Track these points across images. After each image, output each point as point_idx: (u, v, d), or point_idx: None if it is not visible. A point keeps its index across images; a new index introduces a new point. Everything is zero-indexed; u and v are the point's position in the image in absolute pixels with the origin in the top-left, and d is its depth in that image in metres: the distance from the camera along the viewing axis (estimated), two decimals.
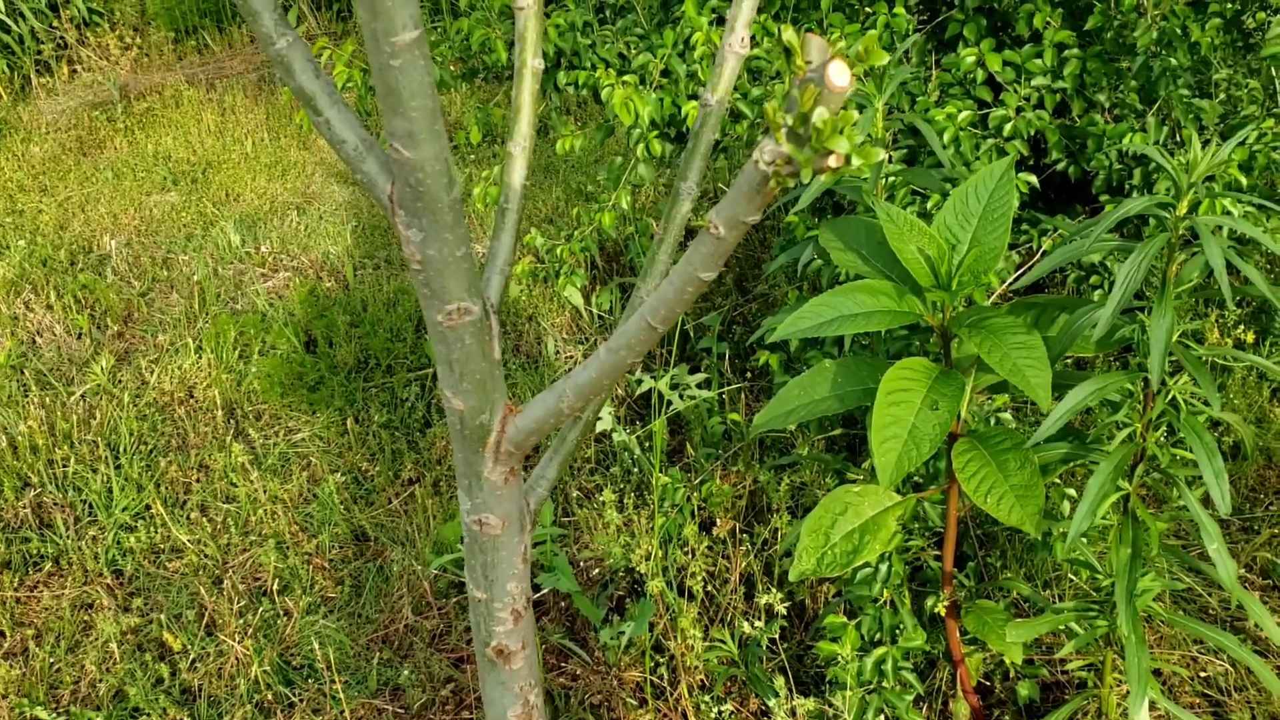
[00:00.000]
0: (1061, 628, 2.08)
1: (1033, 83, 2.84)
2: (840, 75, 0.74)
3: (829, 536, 2.05)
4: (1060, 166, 3.05)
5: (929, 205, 2.49)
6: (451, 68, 2.77)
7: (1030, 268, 3.55)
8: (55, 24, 6.54)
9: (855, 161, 0.75)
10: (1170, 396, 1.81)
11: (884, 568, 2.22)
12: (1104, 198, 3.07)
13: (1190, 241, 1.79)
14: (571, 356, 3.66)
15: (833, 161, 0.75)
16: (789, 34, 0.77)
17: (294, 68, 0.92)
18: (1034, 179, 2.76)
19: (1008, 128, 2.79)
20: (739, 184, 0.82)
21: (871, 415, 1.87)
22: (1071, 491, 2.23)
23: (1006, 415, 2.31)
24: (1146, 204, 1.69)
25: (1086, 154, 2.98)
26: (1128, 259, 1.69)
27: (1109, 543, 1.92)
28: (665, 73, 2.78)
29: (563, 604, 2.66)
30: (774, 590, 2.27)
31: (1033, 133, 2.84)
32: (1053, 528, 2.21)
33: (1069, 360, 2.91)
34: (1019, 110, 2.81)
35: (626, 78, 2.69)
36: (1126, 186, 3.02)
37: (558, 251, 3.30)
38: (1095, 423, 2.40)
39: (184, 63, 6.82)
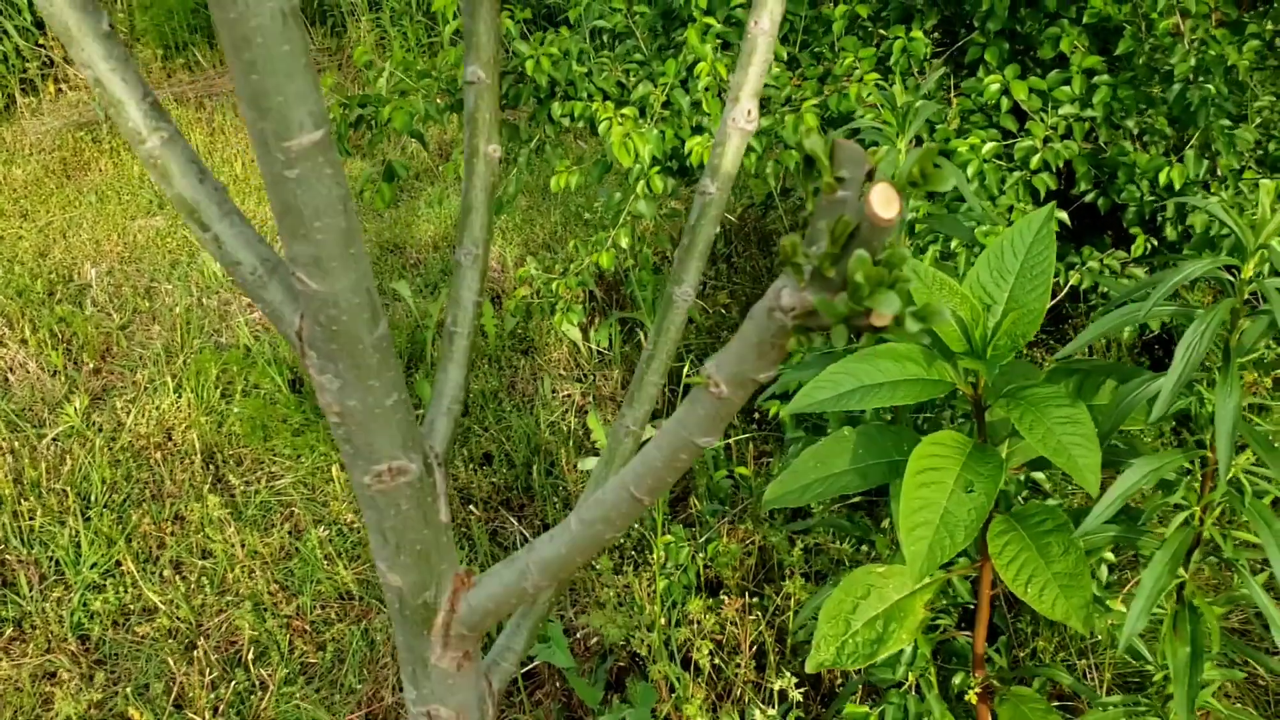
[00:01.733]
0: None
1: (1060, 111, 2.65)
2: (886, 204, 0.55)
3: (849, 623, 1.86)
4: (1089, 198, 2.86)
5: (955, 250, 2.30)
6: (438, 100, 2.59)
7: (1059, 307, 3.35)
8: (41, 41, 6.36)
9: (912, 327, 0.56)
10: (1232, 476, 1.62)
11: (908, 649, 2.02)
12: (1135, 230, 2.88)
13: (1254, 305, 1.60)
14: (569, 395, 3.47)
15: (876, 320, 0.56)
16: (812, 140, 0.58)
17: (171, 172, 0.74)
18: (1064, 215, 2.57)
19: (1035, 159, 2.60)
20: (746, 332, 0.62)
21: (899, 498, 1.68)
22: (1121, 608, 2.03)
23: (1041, 477, 2.11)
24: (1209, 266, 1.50)
25: (1116, 185, 2.79)
26: (1189, 328, 1.49)
27: (1163, 636, 1.72)
28: (667, 103, 2.59)
29: (558, 679, 2.46)
30: (786, 673, 2.07)
31: (1061, 164, 2.65)
32: (1098, 616, 2.02)
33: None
34: (1046, 141, 2.62)
35: (625, 110, 2.50)
36: (1159, 220, 2.83)
37: (553, 287, 3.12)
38: (1144, 496, 2.21)
39: (172, 80, 6.64)
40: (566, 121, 2.72)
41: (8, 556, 2.95)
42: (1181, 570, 1.68)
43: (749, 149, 2.66)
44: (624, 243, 2.75)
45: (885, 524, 2.37)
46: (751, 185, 4.25)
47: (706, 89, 2.51)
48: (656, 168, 2.57)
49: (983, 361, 1.65)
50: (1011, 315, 1.64)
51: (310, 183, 0.63)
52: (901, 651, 2.04)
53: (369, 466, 0.79)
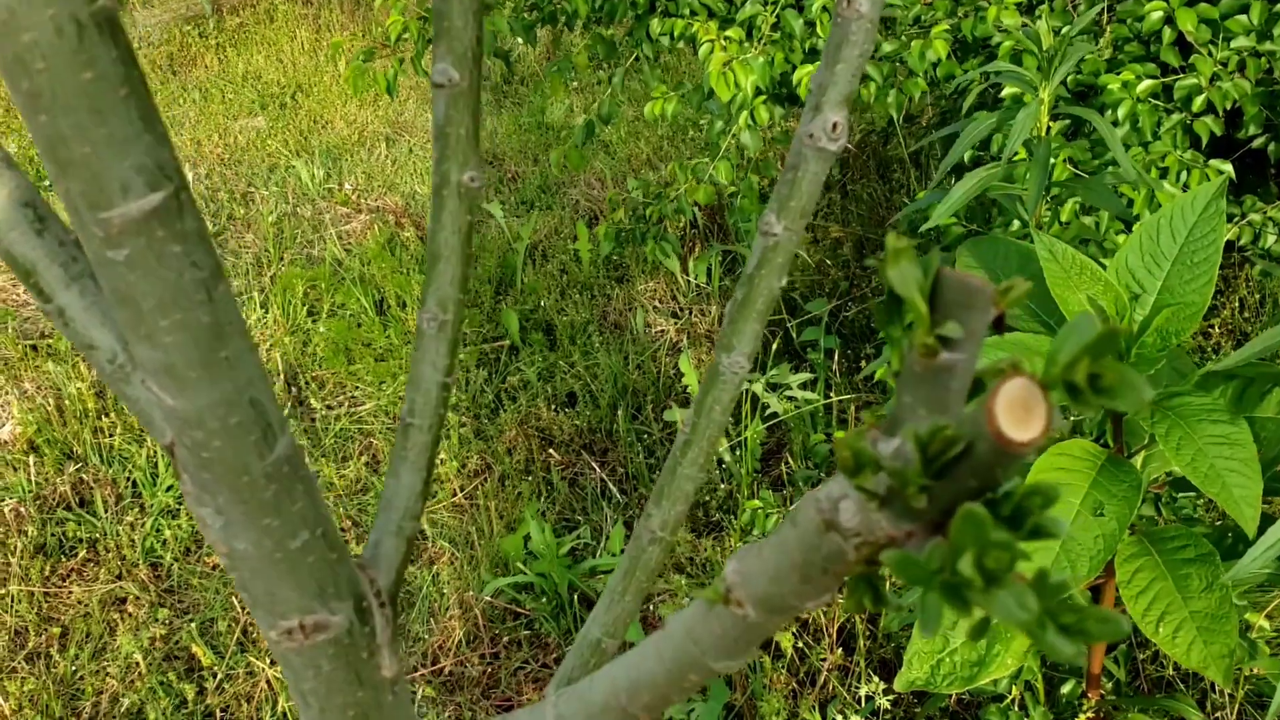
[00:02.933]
0: None
1: (1233, 44, 2.29)
2: (1022, 415, 0.32)
3: (947, 640, 1.65)
4: (1258, 143, 2.50)
5: (1101, 227, 2.01)
6: (525, 15, 2.36)
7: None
8: None
9: (1064, 650, 0.33)
10: None
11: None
12: None
13: None
14: (663, 330, 3.27)
15: (987, 612, 0.34)
16: (901, 270, 0.35)
17: None
18: (1228, 167, 2.24)
19: (1198, 100, 2.25)
20: (787, 543, 0.41)
21: None
22: (1263, 622, 1.77)
23: (1187, 500, 1.85)
24: None
25: None
26: None
27: None
28: (777, 24, 2.31)
29: None
30: (874, 677, 1.88)
31: (1229, 105, 2.30)
32: (1241, 665, 1.77)
33: None
34: (1214, 79, 2.27)
35: (730, 32, 2.23)
36: None
37: (647, 212, 2.90)
38: None
39: None
40: (666, 41, 2.46)
41: (85, 475, 2.91)
42: None
43: (866, 78, 2.38)
44: (723, 177, 2.51)
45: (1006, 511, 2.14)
46: (880, 106, 3.93)
47: (823, 9, 2.23)
48: (762, 97, 2.31)
49: (1125, 365, 1.39)
50: (1165, 312, 1.38)
51: (147, 266, 0.43)
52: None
53: (275, 621, 0.60)
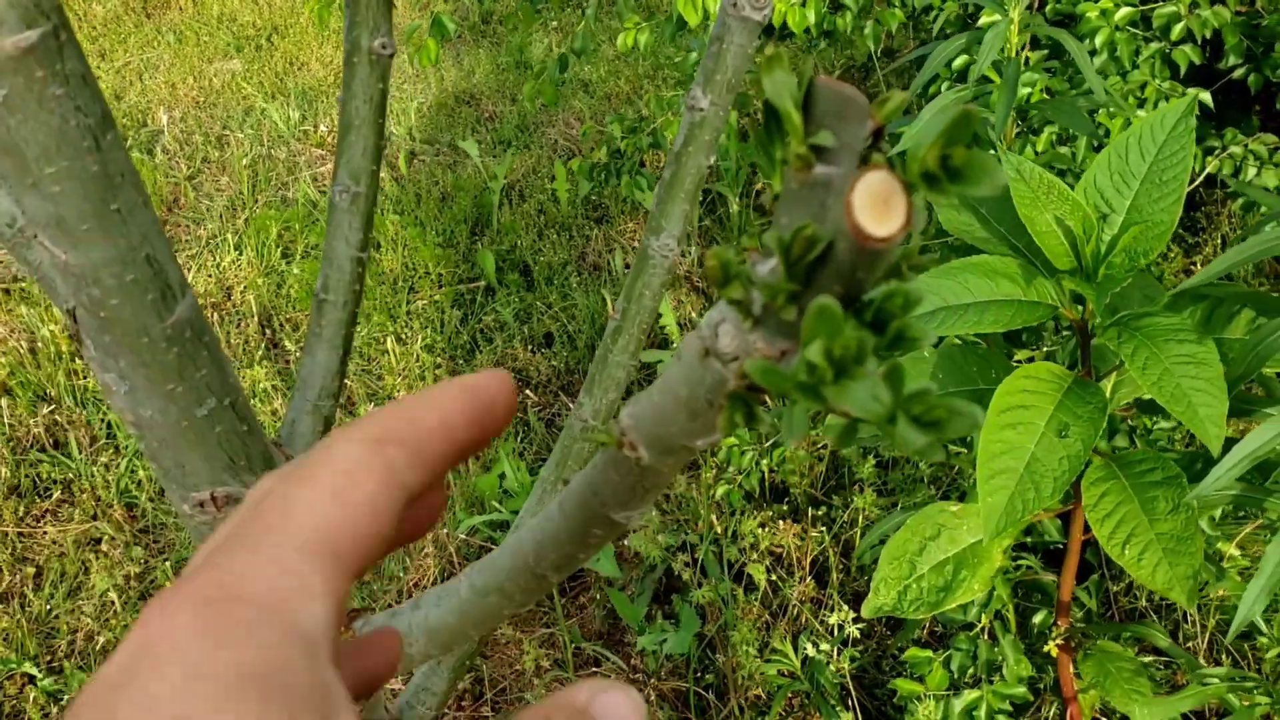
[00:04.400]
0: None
1: None
2: (880, 210, 0.30)
3: (915, 566, 1.65)
4: (1238, 74, 2.47)
5: (1078, 158, 1.98)
6: None
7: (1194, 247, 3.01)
8: None
9: (913, 441, 0.32)
10: None
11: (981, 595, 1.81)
12: None
13: None
14: None
15: (841, 407, 0.32)
16: (775, 79, 0.33)
17: None
18: (1206, 96, 2.21)
19: (1177, 28, 2.22)
20: (673, 380, 0.39)
21: (978, 438, 1.44)
22: (1234, 551, 1.77)
23: (1160, 425, 1.84)
24: None
25: (1273, 59, 2.40)
26: None
27: None
28: None
29: (606, 584, 2.31)
30: (844, 606, 1.88)
31: (1208, 33, 2.27)
32: (1209, 584, 1.77)
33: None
34: (1193, 6, 2.24)
35: None
36: None
37: (623, 146, 2.87)
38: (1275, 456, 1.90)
39: None
40: None
41: (59, 417, 2.89)
42: None
43: (840, 6, 2.34)
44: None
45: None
46: (858, 40, 3.88)
47: None
48: None
49: (1092, 284, 1.37)
50: (1132, 230, 1.36)
51: (29, 109, 0.41)
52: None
53: (186, 494, 0.59)
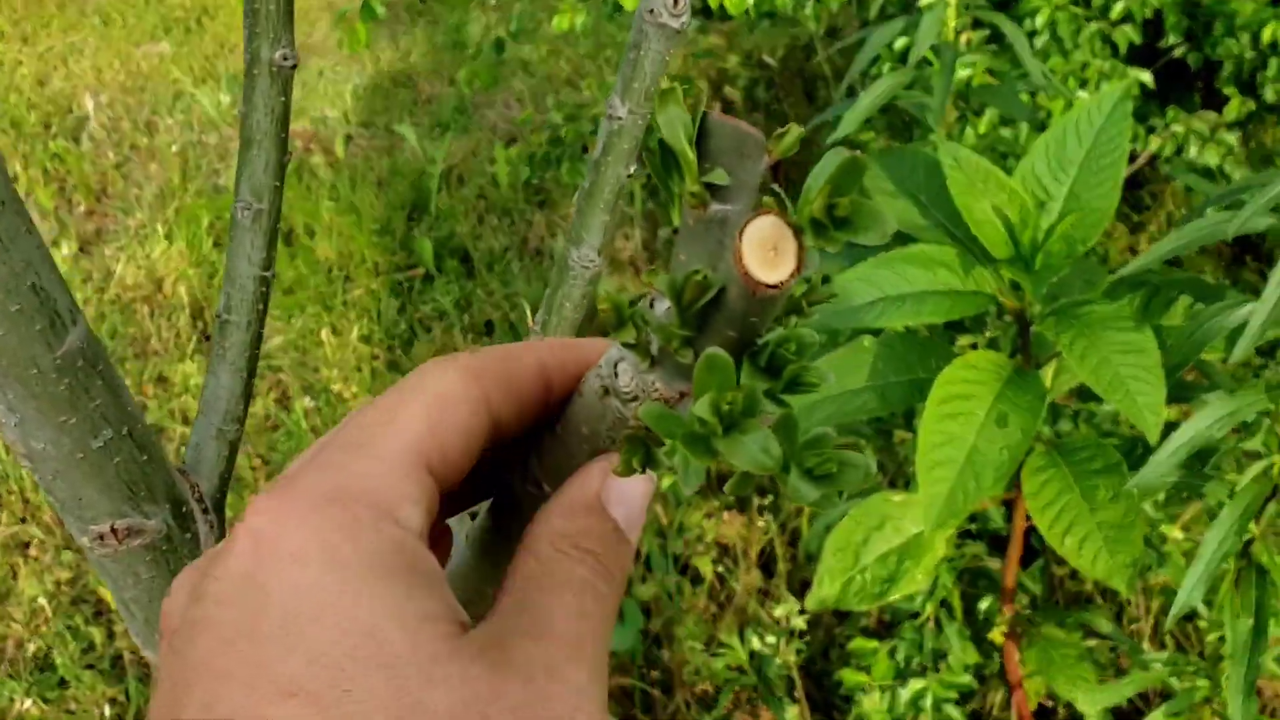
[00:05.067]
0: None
1: None
2: (769, 256, 0.29)
3: (859, 557, 1.63)
4: (1178, 53, 2.47)
5: (1021, 139, 1.96)
6: None
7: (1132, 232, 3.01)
8: None
9: (806, 495, 0.31)
10: None
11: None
12: (1229, 90, 2.50)
13: None
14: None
15: (731, 460, 0.31)
16: (669, 114, 0.31)
17: None
18: (1147, 76, 2.20)
19: (1116, 8, 2.21)
20: (573, 413, 0.38)
21: (918, 429, 1.41)
22: (1177, 533, 1.76)
23: (1098, 410, 1.83)
24: None
25: (1211, 38, 2.40)
26: None
27: (1221, 595, 1.47)
28: None
29: None
30: (790, 597, 1.86)
31: (1149, 13, 2.26)
32: (1148, 576, 1.77)
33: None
34: None
35: None
36: (1259, 80, 2.44)
37: (563, 134, 2.82)
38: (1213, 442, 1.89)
39: None
40: None
41: None
42: (1252, 525, 1.41)
43: None
44: None
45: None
46: (801, 19, 3.84)
47: None
48: None
49: (1030, 273, 1.35)
50: (1070, 218, 1.34)
51: None
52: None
53: (85, 526, 0.55)
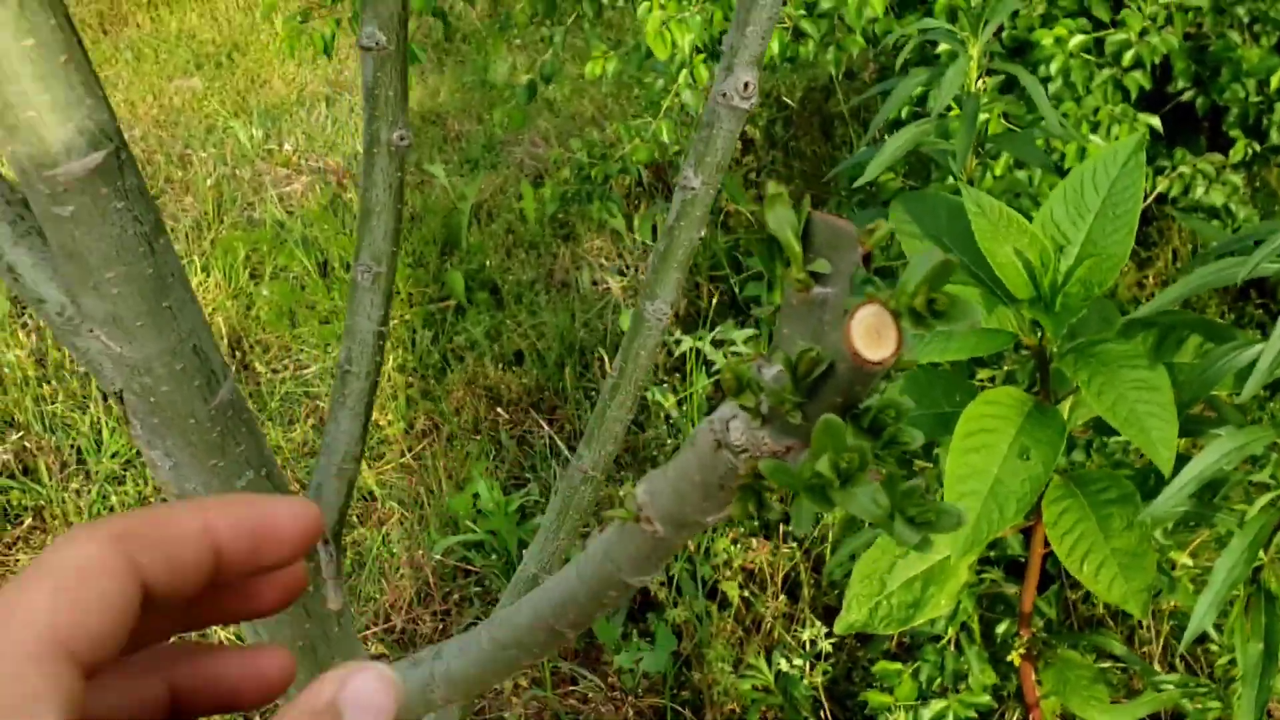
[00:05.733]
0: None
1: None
2: (875, 337, 0.36)
3: (885, 584, 1.71)
4: (1186, 97, 2.56)
5: (1035, 181, 2.05)
6: None
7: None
8: None
9: (908, 539, 0.38)
10: None
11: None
12: (1235, 133, 2.59)
13: None
14: (608, 288, 3.29)
15: (846, 509, 0.38)
16: (777, 213, 0.39)
17: None
18: (1156, 121, 2.30)
19: (1128, 55, 2.30)
20: (687, 464, 0.45)
21: (945, 463, 1.50)
22: (1186, 559, 1.84)
23: (1111, 442, 1.91)
24: None
25: (1219, 84, 2.49)
26: None
27: (1232, 620, 1.54)
28: None
29: None
30: (816, 621, 1.94)
31: (1158, 59, 2.35)
32: (1162, 595, 1.84)
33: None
34: (1143, 33, 2.32)
35: None
36: (1265, 123, 2.54)
37: (593, 173, 2.91)
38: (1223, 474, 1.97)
39: None
40: None
41: (28, 443, 2.89)
42: (1261, 553, 1.49)
43: (802, 35, 2.40)
44: (666, 136, 2.52)
45: (938, 452, 2.19)
46: (821, 63, 3.95)
47: None
48: (702, 55, 2.32)
49: (1050, 314, 1.44)
50: (1087, 262, 1.42)
51: (93, 222, 0.45)
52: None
53: None
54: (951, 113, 1.61)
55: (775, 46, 2.23)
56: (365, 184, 0.69)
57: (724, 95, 0.64)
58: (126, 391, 0.54)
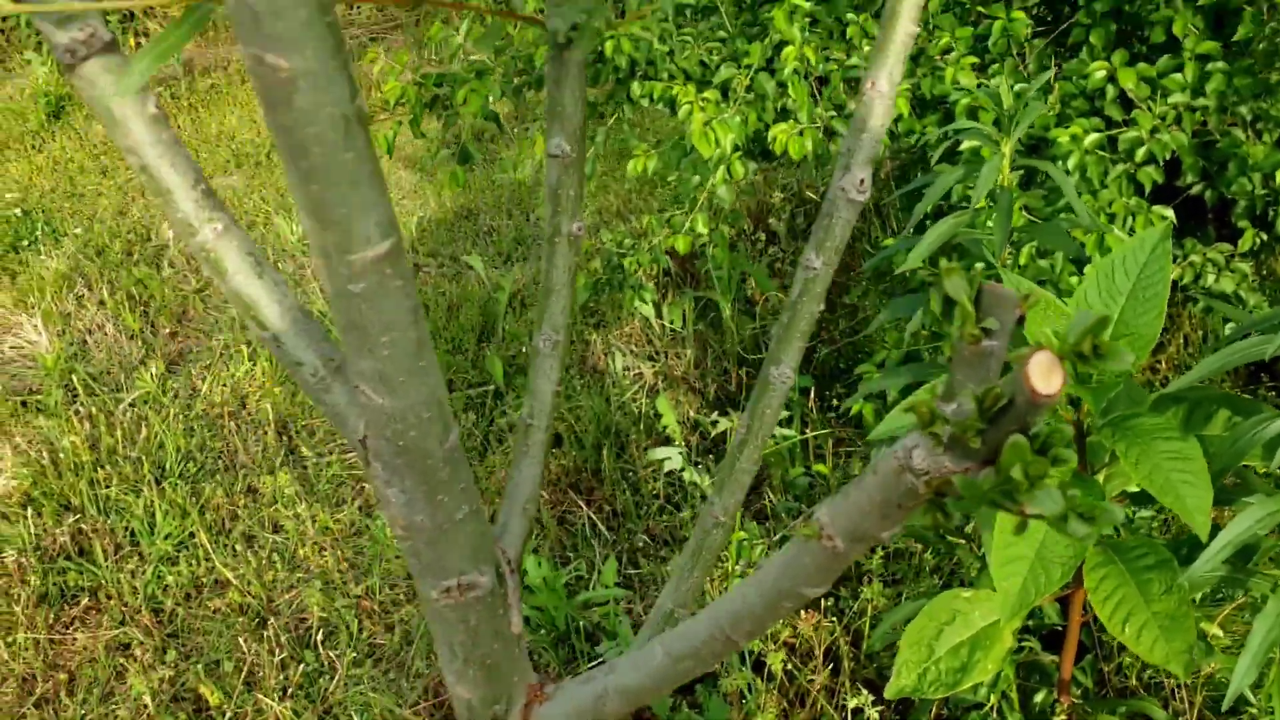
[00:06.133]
0: None
1: (1170, 100, 2.49)
2: (1047, 377, 0.48)
3: (933, 649, 1.79)
4: (1195, 190, 2.71)
5: (1056, 268, 2.18)
6: (515, 79, 2.51)
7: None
8: None
9: (1077, 530, 0.49)
10: None
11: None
12: (1243, 223, 2.73)
13: None
14: (640, 373, 3.41)
15: (1030, 509, 0.49)
16: (954, 282, 0.51)
17: (225, 266, 0.68)
18: (1170, 213, 2.44)
19: (1140, 151, 2.45)
20: (869, 487, 0.55)
21: (991, 527, 1.59)
22: (1216, 630, 1.93)
23: (1145, 514, 2.01)
24: None
25: (1226, 178, 2.64)
26: None
27: (1270, 682, 1.63)
28: (750, 87, 2.48)
29: None
30: (862, 690, 2.01)
31: (1168, 155, 2.50)
32: (1200, 659, 1.92)
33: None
34: (1154, 131, 2.47)
35: (707, 94, 2.40)
36: (1271, 214, 2.68)
37: (625, 264, 3.05)
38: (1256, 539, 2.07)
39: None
40: (646, 102, 2.63)
41: (84, 525, 2.98)
42: None
43: (834, 133, 2.56)
44: (701, 228, 2.67)
45: (971, 528, 2.29)
46: (834, 156, 4.13)
47: (794, 72, 2.40)
48: (738, 153, 2.47)
49: (1087, 389, 1.55)
50: (1121, 341, 1.54)
51: (377, 297, 0.57)
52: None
53: (437, 582, 0.74)
54: (979, 204, 1.74)
55: (809, 145, 2.38)
56: (547, 268, 0.81)
57: (843, 189, 0.76)
58: (372, 438, 0.65)
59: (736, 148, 2.40)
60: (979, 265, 2.24)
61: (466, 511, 0.70)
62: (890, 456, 0.55)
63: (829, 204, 0.78)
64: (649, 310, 3.51)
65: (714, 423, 2.83)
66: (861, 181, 0.78)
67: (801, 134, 2.37)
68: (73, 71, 0.62)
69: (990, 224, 1.88)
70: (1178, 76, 2.48)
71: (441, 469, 0.66)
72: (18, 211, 4.66)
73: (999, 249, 1.74)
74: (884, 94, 0.76)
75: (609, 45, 2.45)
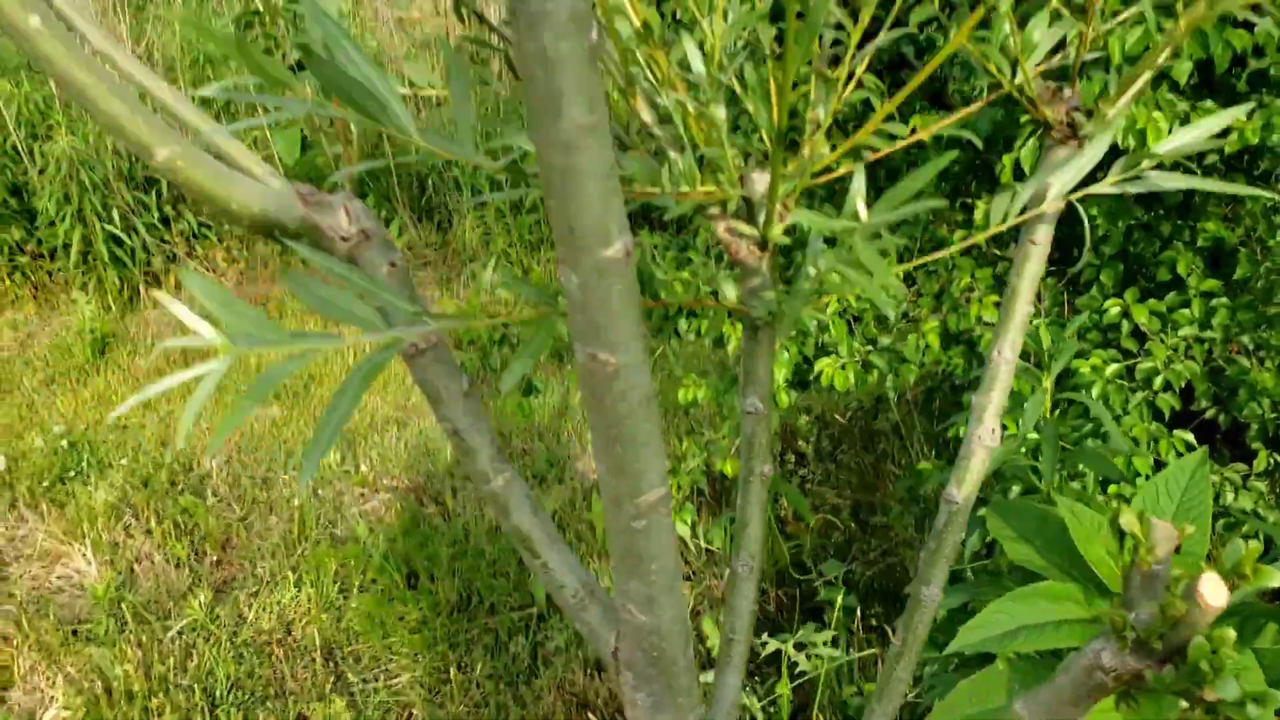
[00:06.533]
0: None
1: (1180, 333, 2.71)
2: (1216, 593, 0.62)
3: None
4: (1209, 414, 2.89)
5: (1088, 489, 2.34)
6: None
7: None
8: (166, 238, 6.76)
9: (1252, 713, 0.62)
10: None
11: None
12: (1256, 445, 2.89)
13: None
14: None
15: (1209, 696, 0.62)
16: (1129, 520, 0.65)
17: (510, 507, 0.83)
18: (1190, 436, 2.60)
19: (1157, 380, 2.65)
20: (1061, 687, 0.69)
21: None
22: None
23: None
24: None
25: (1237, 403, 2.82)
26: None
27: None
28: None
29: None
30: None
31: (1182, 383, 2.69)
32: None
33: None
34: (1168, 362, 2.67)
35: None
36: None
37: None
38: None
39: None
40: (693, 336, 2.83)
41: None
42: None
43: (871, 366, 2.75)
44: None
45: None
46: (856, 392, 4.35)
47: (835, 313, 2.62)
48: (784, 385, 2.66)
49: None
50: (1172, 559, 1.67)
51: (653, 532, 0.71)
52: None
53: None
54: (1025, 434, 1.91)
55: (852, 378, 2.57)
56: (742, 503, 0.96)
57: (978, 437, 0.92)
58: (625, 650, 0.77)
59: (788, 381, 2.59)
60: (1015, 488, 2.39)
61: (700, 713, 0.83)
62: (1080, 658, 0.68)
63: (966, 449, 0.94)
64: (684, 531, 3.63)
65: (764, 644, 2.91)
66: (993, 430, 0.93)
67: (844, 367, 2.57)
68: (412, 361, 0.78)
69: (1022, 450, 2.05)
70: (1185, 311, 2.70)
71: (684, 674, 0.79)
72: (65, 444, 4.82)
73: (1049, 475, 1.89)
74: (1008, 360, 0.92)
75: (663, 292, 2.68)
